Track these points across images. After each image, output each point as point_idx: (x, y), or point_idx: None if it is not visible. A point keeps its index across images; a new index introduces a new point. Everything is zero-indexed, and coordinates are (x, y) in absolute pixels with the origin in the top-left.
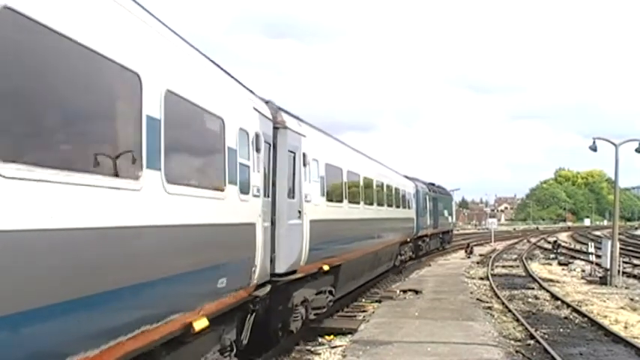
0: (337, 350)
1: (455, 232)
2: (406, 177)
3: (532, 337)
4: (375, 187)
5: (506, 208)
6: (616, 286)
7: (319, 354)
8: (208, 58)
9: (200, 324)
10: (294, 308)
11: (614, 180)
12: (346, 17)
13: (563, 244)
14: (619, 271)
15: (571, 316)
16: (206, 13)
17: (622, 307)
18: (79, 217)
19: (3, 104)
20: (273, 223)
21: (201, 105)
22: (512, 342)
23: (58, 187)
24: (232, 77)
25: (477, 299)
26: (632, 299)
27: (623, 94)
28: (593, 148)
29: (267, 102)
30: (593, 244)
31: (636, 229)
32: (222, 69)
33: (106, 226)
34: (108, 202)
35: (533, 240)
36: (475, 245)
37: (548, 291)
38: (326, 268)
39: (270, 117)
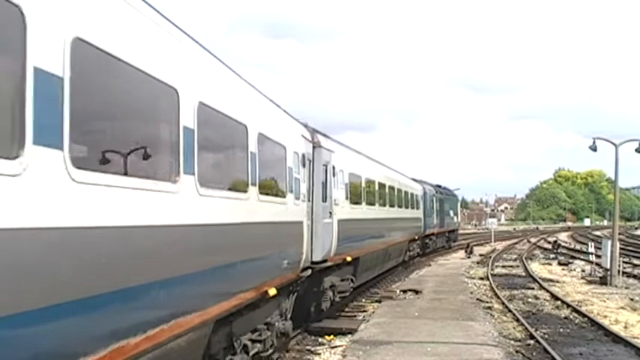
0: (337, 350)
1: None
2: (414, 180)
3: (532, 337)
4: (387, 190)
5: (506, 208)
6: (616, 286)
7: (319, 354)
8: (275, 103)
9: (272, 291)
10: (324, 291)
11: (614, 180)
12: (346, 18)
13: (563, 244)
14: (619, 271)
15: (571, 316)
16: (206, 13)
17: (622, 307)
18: (229, 217)
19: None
20: (311, 221)
21: (275, 139)
22: (512, 342)
23: (227, 200)
24: (288, 113)
25: (477, 299)
26: (632, 299)
27: (622, 94)
28: (593, 148)
29: (305, 125)
30: (593, 244)
31: (636, 229)
32: (283, 110)
33: (231, 222)
34: (235, 207)
35: (533, 240)
36: (475, 245)
37: (548, 291)
38: (349, 259)
39: (310, 139)
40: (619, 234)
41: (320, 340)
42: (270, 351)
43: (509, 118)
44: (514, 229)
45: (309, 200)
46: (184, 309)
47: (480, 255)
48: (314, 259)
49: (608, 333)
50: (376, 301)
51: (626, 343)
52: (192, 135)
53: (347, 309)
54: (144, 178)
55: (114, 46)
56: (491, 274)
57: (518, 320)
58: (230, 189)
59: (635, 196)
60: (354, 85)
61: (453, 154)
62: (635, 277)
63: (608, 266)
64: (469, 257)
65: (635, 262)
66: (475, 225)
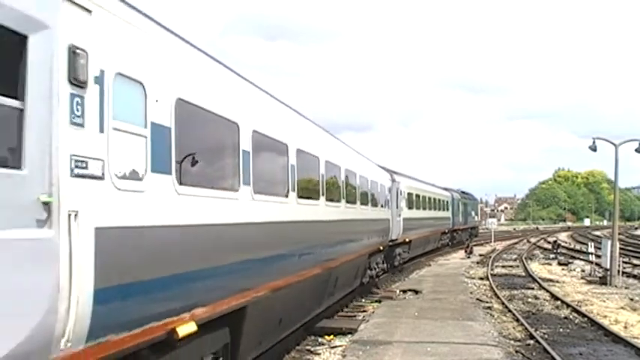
0: (337, 350)
1: None
2: (445, 188)
3: (532, 337)
4: (427, 199)
5: (506, 208)
6: (616, 286)
7: (319, 354)
8: (380, 166)
9: (382, 248)
10: (395, 256)
11: (614, 180)
12: (342, 19)
13: (563, 244)
14: (619, 271)
15: (571, 316)
16: (202, 15)
17: (622, 307)
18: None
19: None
20: (392, 218)
21: (383, 184)
22: (512, 342)
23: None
24: (383, 167)
25: (477, 299)
26: (632, 299)
27: (618, 94)
28: (593, 148)
29: (382, 167)
30: (593, 244)
31: (636, 229)
32: (381, 167)
33: (373, 218)
34: (372, 213)
35: (533, 240)
36: (475, 245)
37: (548, 291)
38: (407, 240)
39: (390, 177)
40: (619, 234)
41: (320, 340)
42: (381, 273)
43: (506, 118)
44: (514, 229)
45: (390, 208)
46: (361, 248)
47: (480, 255)
48: (391, 238)
49: (608, 333)
50: (376, 301)
51: (626, 343)
52: (322, 179)
53: (347, 309)
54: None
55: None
56: (491, 274)
57: (518, 320)
58: (374, 206)
59: (635, 196)
60: (352, 86)
61: (451, 154)
62: (635, 277)
63: (608, 266)
64: (469, 257)
65: (635, 262)
66: None
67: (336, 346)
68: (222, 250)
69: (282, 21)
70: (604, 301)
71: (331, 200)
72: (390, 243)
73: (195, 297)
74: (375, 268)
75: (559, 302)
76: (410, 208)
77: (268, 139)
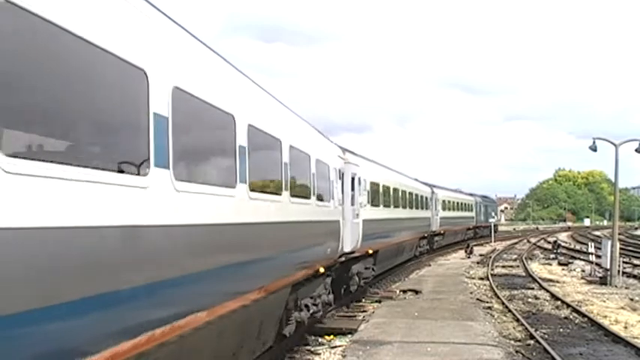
0: (337, 350)
1: None
2: (470, 194)
3: (532, 337)
4: (456, 203)
5: (506, 208)
6: (616, 286)
7: (319, 354)
8: (420, 181)
9: (426, 235)
10: (433, 242)
11: (614, 180)
12: (339, 21)
13: (563, 244)
14: (619, 271)
15: (571, 316)
16: (199, 17)
17: (622, 307)
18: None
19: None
20: (432, 216)
21: (425, 196)
22: (512, 342)
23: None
24: (425, 183)
25: (477, 299)
26: (632, 299)
27: (616, 94)
28: (593, 149)
29: (427, 184)
30: (593, 244)
31: (636, 229)
32: (424, 183)
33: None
34: (415, 214)
35: (533, 240)
36: (475, 245)
37: (548, 291)
38: (442, 232)
39: (431, 190)
40: (619, 234)
41: (320, 340)
42: (425, 252)
43: (503, 118)
44: (514, 229)
45: (430, 209)
46: (415, 233)
47: (480, 255)
48: (431, 230)
49: (608, 333)
50: (376, 301)
51: (626, 343)
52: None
53: (347, 309)
54: None
55: None
56: (491, 274)
57: (518, 320)
58: (422, 209)
59: (635, 197)
60: (349, 87)
61: (449, 154)
62: (635, 277)
63: (608, 266)
64: (469, 257)
65: (635, 262)
66: None
67: (336, 346)
68: (379, 227)
69: (279, 23)
70: (604, 301)
71: (403, 207)
72: (431, 233)
73: (373, 242)
74: (422, 247)
75: (559, 302)
76: (444, 210)
77: (417, 196)
